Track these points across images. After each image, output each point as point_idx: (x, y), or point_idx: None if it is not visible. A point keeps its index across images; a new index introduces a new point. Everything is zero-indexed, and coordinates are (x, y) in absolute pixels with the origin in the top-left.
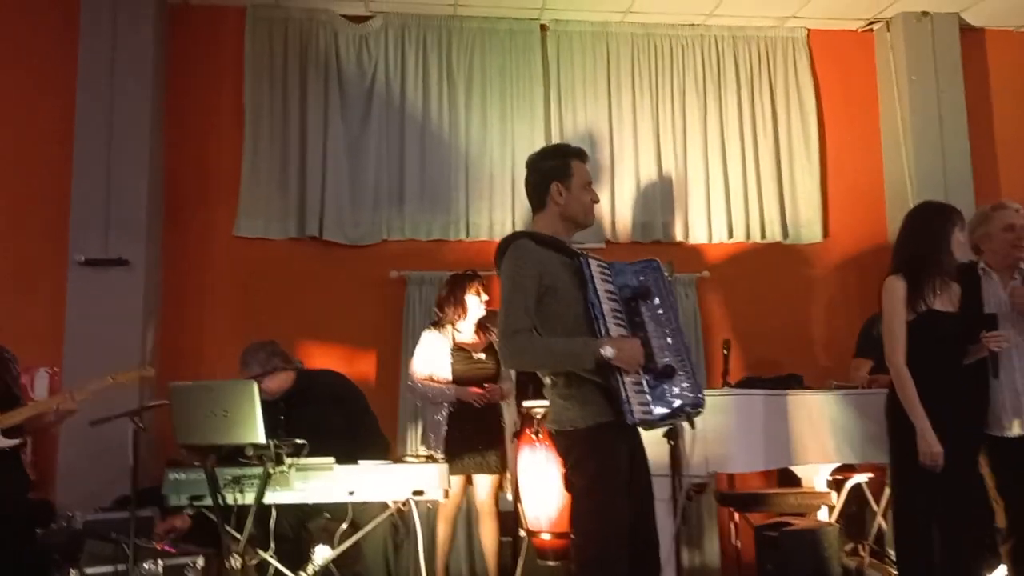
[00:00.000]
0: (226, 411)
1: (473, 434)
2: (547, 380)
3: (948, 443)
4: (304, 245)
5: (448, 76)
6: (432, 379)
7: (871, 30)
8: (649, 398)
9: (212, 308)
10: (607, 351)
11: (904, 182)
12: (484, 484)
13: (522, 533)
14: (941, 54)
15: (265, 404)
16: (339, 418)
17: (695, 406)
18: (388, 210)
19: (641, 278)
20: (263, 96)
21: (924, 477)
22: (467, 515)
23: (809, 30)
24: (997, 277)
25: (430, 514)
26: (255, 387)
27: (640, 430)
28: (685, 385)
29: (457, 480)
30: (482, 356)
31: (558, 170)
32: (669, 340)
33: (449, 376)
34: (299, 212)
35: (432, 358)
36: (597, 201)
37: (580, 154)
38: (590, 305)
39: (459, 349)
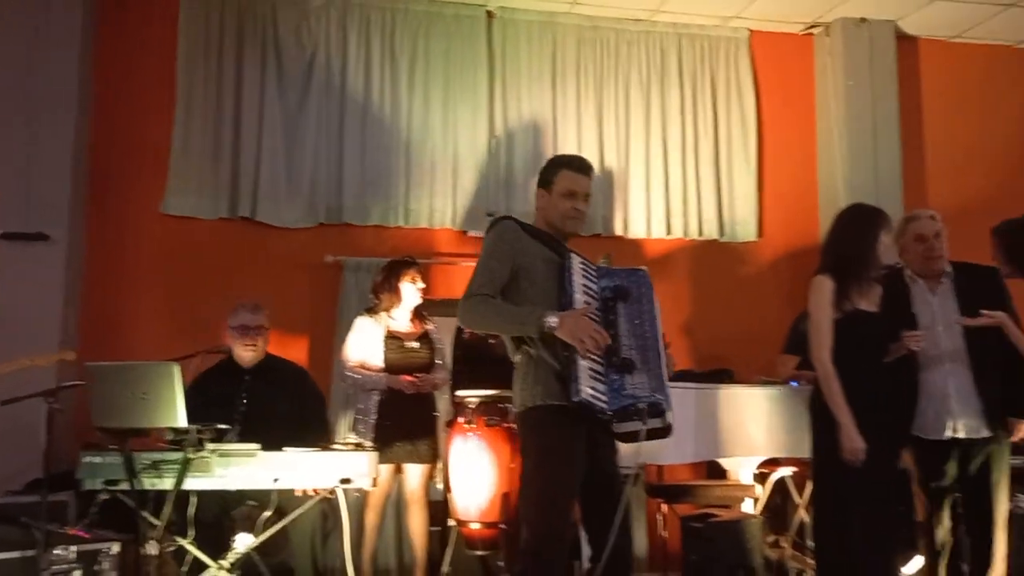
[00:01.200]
0: (145, 393)
1: (404, 423)
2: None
3: (870, 439)
4: (236, 226)
5: (391, 59)
6: (364, 366)
7: (811, 34)
8: (603, 387)
9: (137, 287)
10: (551, 320)
11: (837, 185)
12: (415, 473)
13: (451, 523)
14: (877, 61)
15: (229, 373)
16: (295, 412)
17: (651, 405)
18: (325, 193)
19: (625, 282)
20: (197, 70)
21: (844, 471)
22: (396, 504)
23: (751, 31)
24: (924, 283)
25: (359, 503)
26: (176, 369)
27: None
28: (643, 382)
29: (386, 468)
30: (416, 345)
31: (545, 176)
32: (640, 342)
33: (381, 364)
34: (231, 192)
35: (365, 345)
36: (578, 211)
37: (574, 164)
38: (562, 292)
39: (392, 337)
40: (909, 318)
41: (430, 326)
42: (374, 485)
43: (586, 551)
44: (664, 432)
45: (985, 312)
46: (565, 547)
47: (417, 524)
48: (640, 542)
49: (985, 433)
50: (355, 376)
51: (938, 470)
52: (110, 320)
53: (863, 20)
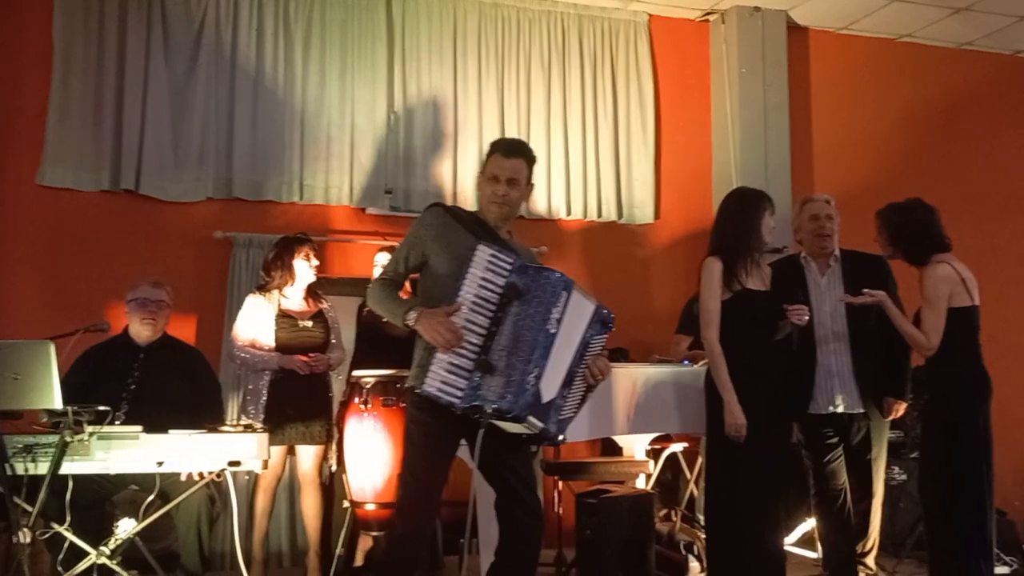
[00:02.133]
0: (17, 374)
1: (297, 403)
2: None
3: (760, 414)
4: (119, 199)
5: (285, 29)
6: (255, 345)
7: (708, 20)
8: (463, 383)
9: (11, 262)
10: (410, 316)
11: (730, 170)
12: (308, 455)
13: (345, 504)
14: (769, 49)
15: (124, 349)
16: (188, 395)
17: (495, 409)
18: (215, 167)
19: (524, 283)
20: (76, 32)
21: (735, 445)
22: (288, 487)
23: (651, 15)
24: (815, 265)
25: (249, 486)
26: (51, 348)
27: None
28: (498, 388)
29: (278, 451)
30: (309, 324)
31: (483, 161)
32: (515, 346)
33: (272, 343)
34: (113, 163)
35: (255, 324)
36: (498, 196)
37: (502, 147)
38: (455, 284)
39: (284, 316)
40: (801, 298)
41: (324, 305)
42: (265, 468)
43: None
44: (542, 439)
45: (867, 291)
46: (424, 535)
47: (310, 506)
48: None
49: (861, 409)
50: (245, 355)
51: (825, 440)
52: None
53: (757, 9)
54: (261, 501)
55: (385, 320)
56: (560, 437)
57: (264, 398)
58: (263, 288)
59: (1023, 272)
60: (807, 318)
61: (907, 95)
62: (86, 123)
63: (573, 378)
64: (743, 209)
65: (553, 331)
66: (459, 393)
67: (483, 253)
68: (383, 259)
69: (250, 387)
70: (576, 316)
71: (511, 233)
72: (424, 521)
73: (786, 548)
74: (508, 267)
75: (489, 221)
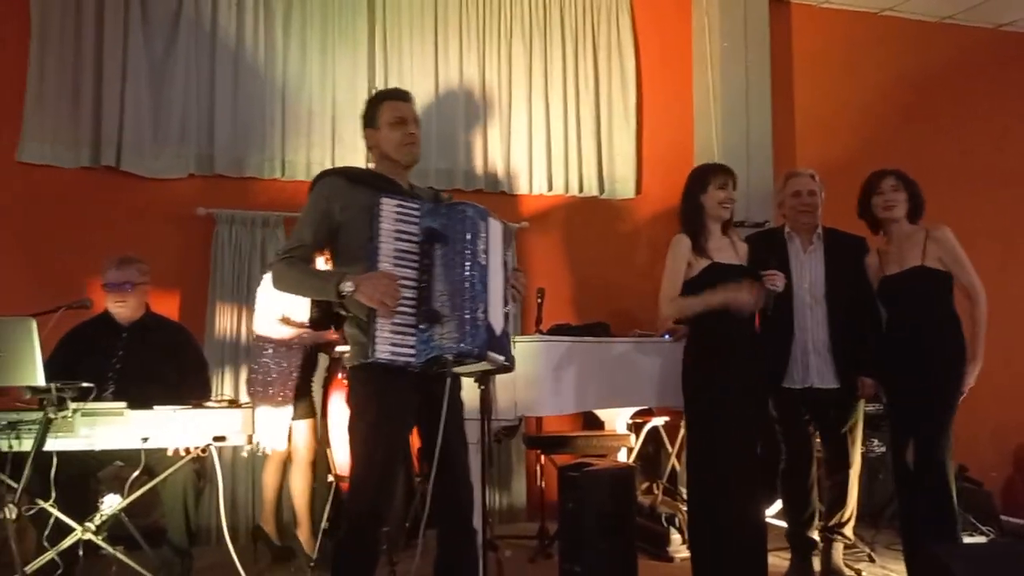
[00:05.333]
0: (0, 351)
1: (308, 379)
2: None
3: (730, 390)
4: (99, 175)
5: (265, 3)
6: (288, 321)
7: None
8: (412, 339)
9: None
10: (346, 286)
11: (711, 145)
12: (302, 429)
13: (330, 478)
14: (751, 24)
15: (107, 327)
16: (172, 372)
17: (457, 355)
18: (196, 143)
19: (441, 223)
20: (53, 7)
21: (713, 418)
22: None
23: None
24: (798, 240)
25: (236, 461)
26: (33, 324)
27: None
28: (452, 333)
29: (304, 425)
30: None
31: (367, 115)
32: (453, 287)
33: (306, 319)
34: (93, 139)
35: (284, 299)
36: (412, 136)
37: (393, 94)
38: (368, 244)
39: None
40: (774, 266)
41: None
42: (249, 443)
43: None
44: (500, 370)
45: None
46: (383, 515)
47: (301, 480)
48: (519, 492)
49: (836, 384)
50: (283, 333)
51: (798, 416)
52: None
53: None
54: (276, 476)
55: None
56: (511, 363)
57: (297, 375)
58: None
59: (1001, 246)
60: (781, 285)
61: (888, 69)
62: (65, 99)
63: (507, 302)
64: (690, 185)
65: (484, 263)
66: (412, 351)
67: (388, 205)
68: None
69: (282, 364)
70: (495, 241)
71: (411, 184)
72: (384, 503)
73: (767, 520)
74: (417, 213)
75: (399, 167)
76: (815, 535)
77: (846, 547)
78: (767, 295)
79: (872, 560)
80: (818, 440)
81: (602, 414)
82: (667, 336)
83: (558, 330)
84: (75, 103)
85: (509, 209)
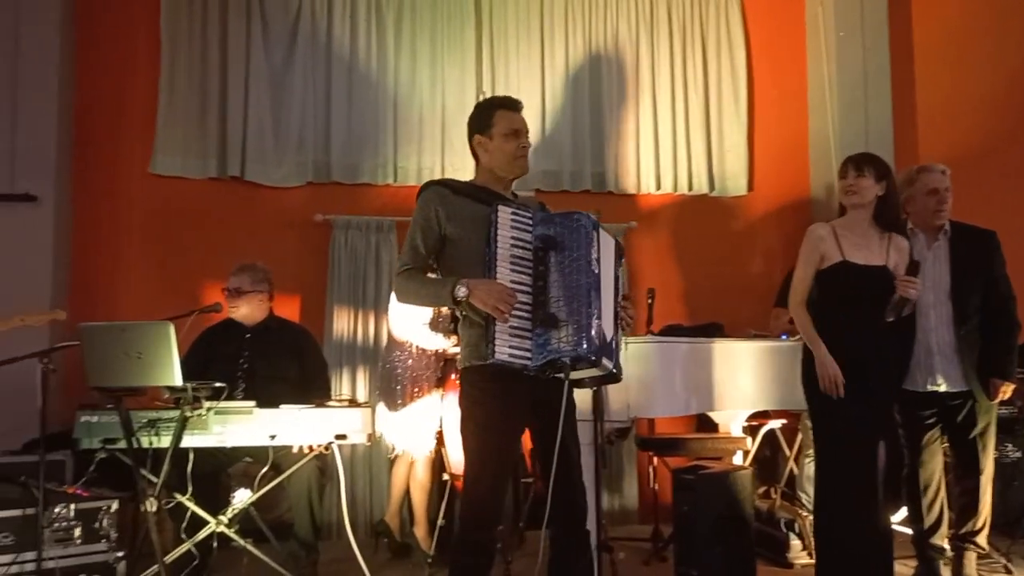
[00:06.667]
0: (140, 353)
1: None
2: None
3: (850, 394)
4: (225, 185)
5: (377, 14)
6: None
7: None
8: (528, 343)
9: (127, 248)
10: (460, 291)
11: (828, 138)
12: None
13: (445, 477)
14: (868, 11)
15: (232, 330)
16: (295, 372)
17: (574, 359)
18: (314, 152)
19: (556, 230)
20: (180, 28)
21: (835, 422)
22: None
23: None
24: (923, 237)
25: (355, 459)
26: (171, 328)
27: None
28: (569, 337)
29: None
30: None
31: (480, 121)
32: (570, 293)
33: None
34: (219, 151)
35: None
36: (525, 149)
37: (507, 103)
38: (486, 250)
39: None
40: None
41: None
42: (369, 441)
43: None
44: (607, 378)
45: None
46: (496, 516)
47: (423, 480)
48: (631, 494)
49: (963, 387)
50: (427, 336)
51: (921, 421)
52: (100, 280)
53: None
54: (406, 475)
55: None
56: (619, 374)
57: (426, 375)
58: None
59: None
60: (916, 295)
61: (1018, 52)
62: (193, 114)
63: (618, 314)
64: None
65: (597, 271)
66: (529, 354)
67: (504, 213)
68: None
69: (403, 365)
70: (607, 252)
71: (515, 193)
72: (496, 504)
73: (893, 527)
74: (530, 221)
75: (504, 179)
76: (943, 543)
77: (979, 557)
78: (899, 302)
79: (1009, 572)
80: (946, 445)
81: (716, 416)
82: (785, 336)
83: (670, 331)
84: (202, 117)
85: (617, 209)
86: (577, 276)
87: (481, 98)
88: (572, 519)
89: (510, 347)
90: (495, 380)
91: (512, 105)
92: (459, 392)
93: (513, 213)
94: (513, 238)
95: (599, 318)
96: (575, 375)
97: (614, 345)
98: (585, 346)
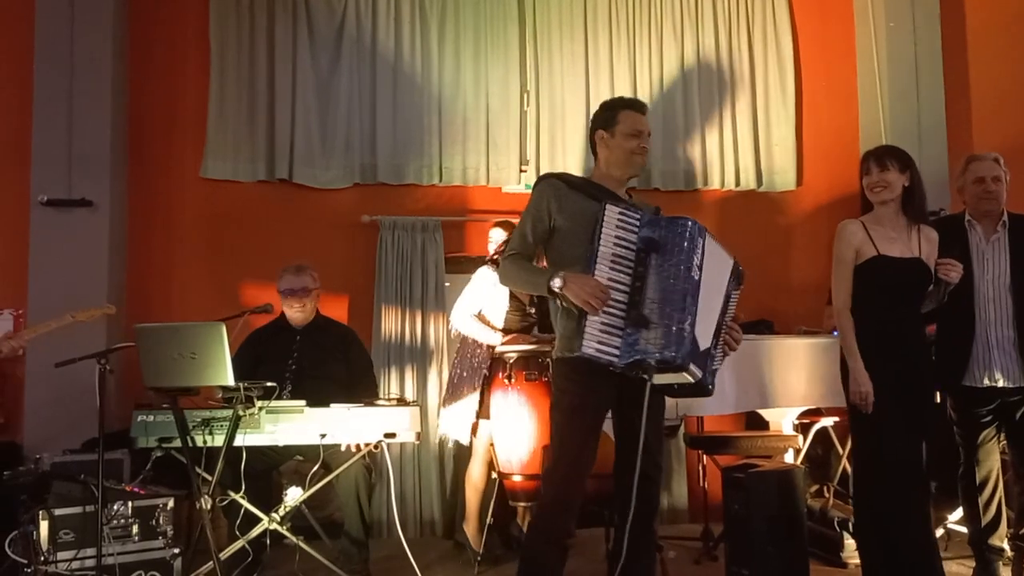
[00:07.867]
0: (194, 353)
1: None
2: None
3: (892, 391)
4: (274, 188)
5: (421, 16)
6: (482, 319)
7: None
8: (618, 340)
9: (180, 250)
10: (556, 282)
11: (879, 131)
12: (485, 427)
13: (493, 475)
14: (919, 0)
15: (283, 331)
16: (342, 371)
17: (660, 361)
18: (360, 153)
19: (660, 234)
20: (229, 35)
21: (875, 420)
22: (439, 458)
23: None
24: (980, 228)
25: (403, 456)
26: (223, 329)
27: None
28: (658, 340)
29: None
30: (532, 310)
31: (603, 117)
32: (664, 296)
33: (501, 324)
34: (268, 155)
35: (485, 297)
36: (644, 149)
37: (633, 104)
38: (589, 246)
39: (515, 298)
40: (956, 255)
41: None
42: (418, 439)
43: None
44: (697, 389)
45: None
46: (572, 505)
47: (479, 478)
48: (681, 493)
49: (1023, 383)
50: (474, 328)
51: (978, 418)
52: (154, 282)
53: None
54: (483, 473)
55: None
56: (711, 388)
57: (483, 371)
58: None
59: None
60: (956, 277)
61: None
62: (242, 119)
63: (720, 330)
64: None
65: (697, 277)
66: (617, 351)
67: (612, 212)
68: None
69: (463, 360)
70: (714, 263)
71: (630, 193)
72: (573, 491)
73: (949, 526)
74: (637, 222)
75: (621, 178)
76: (1002, 543)
77: None
78: (942, 286)
79: None
80: (1004, 443)
81: (767, 414)
82: (835, 333)
83: None
84: (251, 122)
85: (663, 207)
86: (675, 280)
87: (525, 97)
88: (643, 516)
89: (598, 342)
90: (582, 373)
91: (638, 107)
92: (552, 383)
93: (621, 213)
94: (617, 237)
95: (692, 325)
96: (662, 379)
97: (708, 357)
98: (672, 349)
